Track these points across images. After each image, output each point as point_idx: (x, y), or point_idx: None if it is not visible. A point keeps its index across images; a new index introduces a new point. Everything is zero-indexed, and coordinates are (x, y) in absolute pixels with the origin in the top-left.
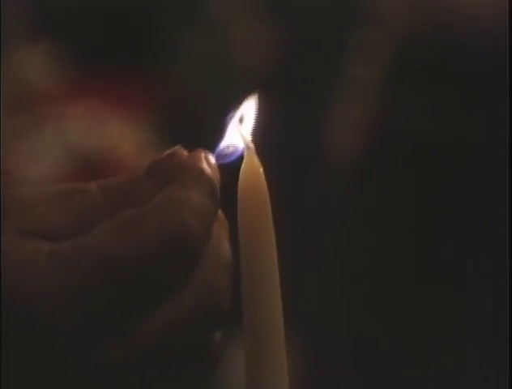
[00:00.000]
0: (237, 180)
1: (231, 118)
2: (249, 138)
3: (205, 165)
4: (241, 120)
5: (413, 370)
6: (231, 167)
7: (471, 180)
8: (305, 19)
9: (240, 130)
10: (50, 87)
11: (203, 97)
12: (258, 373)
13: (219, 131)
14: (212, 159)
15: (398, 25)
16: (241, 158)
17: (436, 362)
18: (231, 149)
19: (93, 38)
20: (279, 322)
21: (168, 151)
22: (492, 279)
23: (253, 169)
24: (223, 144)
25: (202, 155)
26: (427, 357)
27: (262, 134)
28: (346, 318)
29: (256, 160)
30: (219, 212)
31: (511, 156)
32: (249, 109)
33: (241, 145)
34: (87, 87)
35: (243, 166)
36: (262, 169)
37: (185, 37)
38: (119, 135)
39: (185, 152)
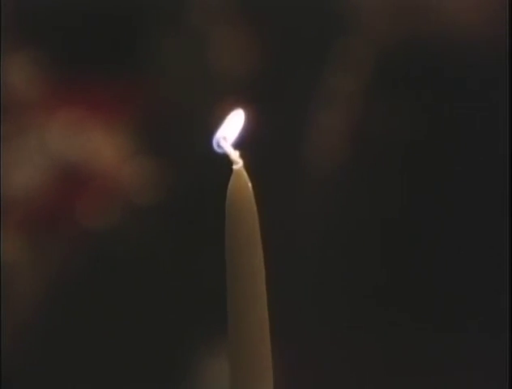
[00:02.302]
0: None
1: (217, 136)
2: (236, 153)
3: None
4: (226, 136)
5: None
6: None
7: (455, 189)
8: (287, 29)
9: (226, 145)
10: (31, 95)
11: (185, 106)
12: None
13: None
14: None
15: (381, 35)
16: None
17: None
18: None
19: (74, 46)
20: (265, 336)
21: None
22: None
23: (241, 188)
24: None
25: None
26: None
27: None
28: (333, 331)
29: (245, 178)
30: None
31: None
32: (234, 123)
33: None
34: (68, 95)
35: (231, 183)
36: (250, 187)
37: (167, 45)
38: (101, 143)
39: None
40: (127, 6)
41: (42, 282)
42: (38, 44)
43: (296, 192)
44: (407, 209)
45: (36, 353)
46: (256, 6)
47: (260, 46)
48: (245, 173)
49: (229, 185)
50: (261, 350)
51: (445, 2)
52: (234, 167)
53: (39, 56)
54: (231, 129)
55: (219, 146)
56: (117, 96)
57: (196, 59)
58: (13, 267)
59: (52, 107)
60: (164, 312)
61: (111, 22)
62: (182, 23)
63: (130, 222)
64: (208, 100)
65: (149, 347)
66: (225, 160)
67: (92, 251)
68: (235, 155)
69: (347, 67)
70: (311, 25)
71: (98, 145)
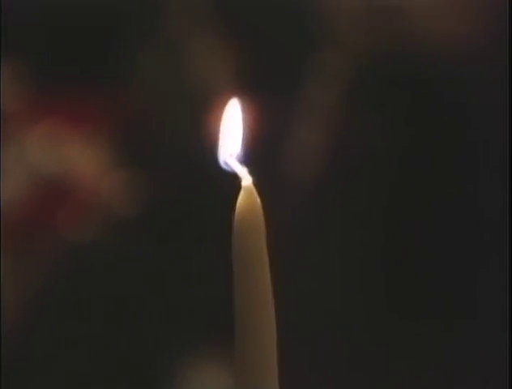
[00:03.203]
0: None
1: (223, 154)
2: (244, 170)
3: None
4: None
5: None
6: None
7: (436, 200)
8: (265, 42)
9: (234, 163)
10: (10, 107)
11: (164, 118)
12: None
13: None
14: None
15: (359, 48)
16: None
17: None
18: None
19: (53, 59)
20: (272, 352)
21: None
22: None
23: (250, 205)
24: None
25: None
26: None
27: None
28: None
29: (254, 195)
30: None
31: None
32: (233, 137)
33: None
34: (47, 108)
35: (240, 200)
36: (259, 204)
37: (146, 58)
38: (80, 156)
39: None
40: (106, 19)
41: (22, 294)
42: (17, 56)
43: (275, 204)
44: (389, 219)
45: (16, 365)
46: (233, 19)
47: (237, 59)
48: (254, 190)
49: (238, 202)
50: (268, 363)
51: (423, 13)
52: (243, 183)
53: (18, 68)
54: (233, 144)
55: (226, 164)
56: (97, 108)
57: (174, 71)
58: None
59: (31, 120)
60: (146, 323)
61: (90, 35)
62: (160, 35)
63: (111, 234)
64: (186, 112)
65: (131, 358)
66: (205, 170)
67: (73, 263)
68: (243, 171)
69: (324, 80)
70: (288, 38)
71: (78, 157)
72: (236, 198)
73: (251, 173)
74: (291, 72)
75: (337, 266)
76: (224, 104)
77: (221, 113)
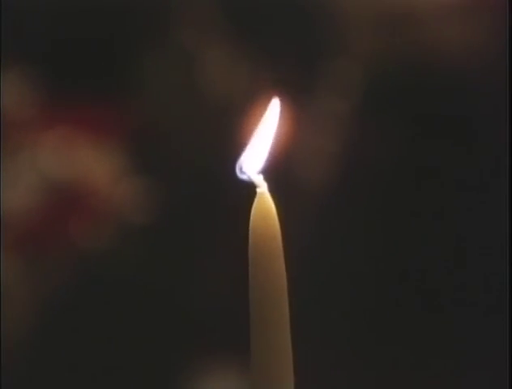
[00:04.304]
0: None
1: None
2: (260, 177)
3: None
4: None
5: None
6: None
7: (445, 209)
8: (277, 50)
9: (249, 169)
10: (23, 114)
11: (177, 124)
12: None
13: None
14: None
15: (372, 57)
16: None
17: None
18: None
19: (66, 65)
20: (288, 364)
21: None
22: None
23: (265, 211)
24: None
25: None
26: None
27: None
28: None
29: (268, 201)
30: None
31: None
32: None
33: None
34: (60, 115)
35: (255, 207)
36: (274, 211)
37: (158, 64)
38: (93, 163)
39: None
40: (120, 26)
41: (34, 301)
42: (29, 64)
43: (288, 212)
44: (403, 227)
45: (28, 373)
46: (245, 27)
47: (249, 67)
48: (269, 197)
49: (253, 209)
50: (283, 372)
51: (437, 23)
52: (258, 190)
53: (30, 76)
54: (253, 153)
55: (241, 171)
56: (110, 115)
57: (187, 78)
58: (5, 287)
59: (44, 127)
60: (157, 332)
61: (103, 42)
62: (172, 42)
63: (123, 241)
64: (199, 119)
65: (142, 366)
66: (216, 178)
67: (85, 271)
68: (259, 178)
69: (338, 89)
70: (302, 47)
71: (90, 165)
72: (250, 205)
73: (266, 179)
74: (304, 81)
75: (352, 271)
76: (241, 111)
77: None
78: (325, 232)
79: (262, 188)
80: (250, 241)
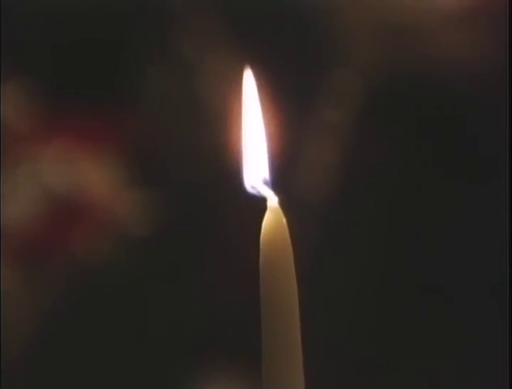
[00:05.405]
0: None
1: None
2: (270, 191)
3: None
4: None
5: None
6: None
7: (446, 218)
8: (276, 59)
9: (259, 184)
10: (23, 126)
11: (177, 135)
12: None
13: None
14: None
15: (372, 66)
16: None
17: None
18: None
19: (64, 75)
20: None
21: None
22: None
23: (276, 225)
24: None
25: None
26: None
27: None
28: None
29: (280, 215)
30: None
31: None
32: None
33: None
34: (60, 126)
35: (266, 221)
36: (285, 224)
37: (158, 73)
38: (93, 174)
39: None
40: (117, 34)
41: (33, 313)
42: (27, 75)
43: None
44: (399, 240)
45: (27, 384)
46: (245, 36)
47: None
48: (280, 211)
49: (264, 223)
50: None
51: (437, 33)
52: (269, 204)
53: (28, 87)
54: (257, 166)
55: (252, 187)
56: (110, 126)
57: (187, 88)
58: (4, 299)
59: (44, 138)
60: (158, 344)
61: (101, 52)
62: (172, 51)
63: (124, 253)
64: (200, 129)
65: (144, 379)
66: (218, 189)
67: (85, 283)
68: (269, 192)
69: (337, 99)
70: (300, 56)
71: (90, 176)
72: (258, 220)
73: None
74: (305, 91)
75: (363, 281)
76: (240, 121)
77: (239, 131)
78: (330, 244)
79: (273, 202)
80: (262, 256)
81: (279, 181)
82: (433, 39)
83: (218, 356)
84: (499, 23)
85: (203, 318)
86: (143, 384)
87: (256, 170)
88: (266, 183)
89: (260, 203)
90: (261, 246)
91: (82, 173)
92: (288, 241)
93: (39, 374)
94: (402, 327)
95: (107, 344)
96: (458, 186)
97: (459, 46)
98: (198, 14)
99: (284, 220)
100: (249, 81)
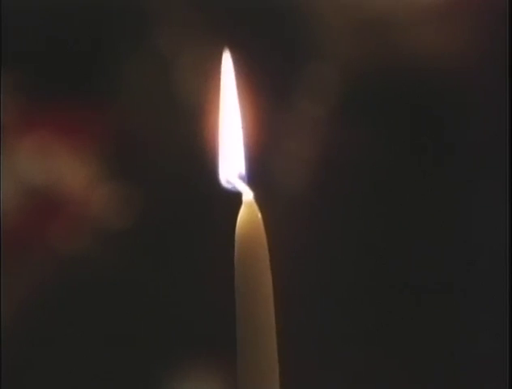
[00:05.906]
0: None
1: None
2: (246, 186)
3: None
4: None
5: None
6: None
7: (425, 213)
8: (255, 54)
9: (235, 179)
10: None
11: (154, 129)
12: None
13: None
14: None
15: (350, 60)
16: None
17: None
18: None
19: (42, 70)
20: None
21: None
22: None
23: (251, 220)
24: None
25: None
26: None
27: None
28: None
29: (255, 210)
30: None
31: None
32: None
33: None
34: (36, 119)
35: (241, 216)
36: (261, 219)
37: (135, 68)
38: (70, 168)
39: None
40: (95, 31)
41: (10, 307)
42: (4, 69)
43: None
44: (385, 230)
45: (4, 376)
46: (223, 31)
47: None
48: (255, 205)
49: (239, 218)
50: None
51: (416, 27)
52: (244, 198)
53: (5, 80)
54: (233, 160)
55: (228, 182)
56: (87, 120)
57: (165, 83)
58: None
59: (20, 131)
60: (134, 338)
61: (79, 47)
62: (149, 47)
63: (101, 246)
64: (177, 124)
65: (120, 372)
66: (195, 184)
67: (62, 276)
68: (245, 187)
69: (314, 93)
70: (280, 51)
71: (67, 170)
72: (232, 214)
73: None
74: (282, 85)
75: (337, 277)
76: (217, 115)
77: (215, 125)
78: (305, 239)
79: (248, 196)
80: (237, 251)
81: (254, 175)
82: (408, 33)
83: (195, 351)
84: (476, 18)
85: (180, 311)
86: (120, 378)
87: (232, 165)
88: (241, 178)
89: (236, 197)
90: (236, 241)
91: (59, 167)
92: (263, 235)
93: (13, 367)
94: (387, 319)
95: (83, 338)
96: (441, 179)
97: (435, 40)
98: (174, 8)
99: (259, 215)
100: (227, 65)
